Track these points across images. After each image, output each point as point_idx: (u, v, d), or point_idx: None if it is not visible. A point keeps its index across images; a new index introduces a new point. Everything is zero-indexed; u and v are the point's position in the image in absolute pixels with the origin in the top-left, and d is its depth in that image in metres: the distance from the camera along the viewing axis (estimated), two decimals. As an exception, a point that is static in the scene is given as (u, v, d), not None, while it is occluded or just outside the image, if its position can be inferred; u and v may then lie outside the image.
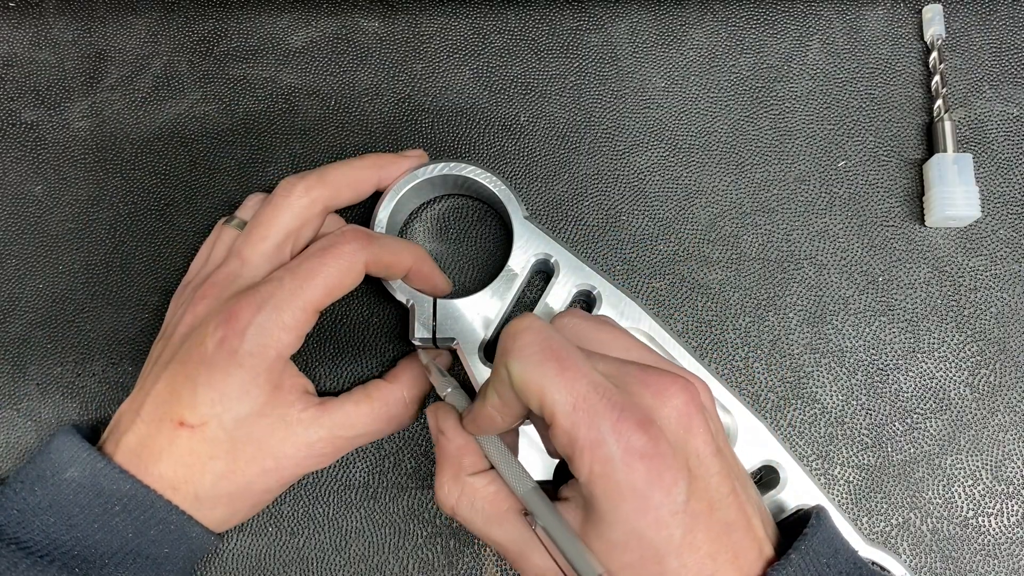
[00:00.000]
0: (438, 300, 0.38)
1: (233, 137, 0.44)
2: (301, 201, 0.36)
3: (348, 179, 0.38)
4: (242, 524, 0.39)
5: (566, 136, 0.43)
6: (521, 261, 0.39)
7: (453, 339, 0.38)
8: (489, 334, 0.38)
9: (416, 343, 0.38)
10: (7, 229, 0.43)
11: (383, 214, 0.39)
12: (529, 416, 0.30)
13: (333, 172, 0.38)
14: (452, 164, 0.39)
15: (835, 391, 0.40)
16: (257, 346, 0.33)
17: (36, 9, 0.46)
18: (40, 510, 0.32)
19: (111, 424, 0.35)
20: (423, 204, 0.43)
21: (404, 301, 0.39)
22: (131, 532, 0.32)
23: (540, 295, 0.39)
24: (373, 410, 0.36)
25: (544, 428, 0.29)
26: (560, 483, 0.31)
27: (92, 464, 0.32)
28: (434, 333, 0.38)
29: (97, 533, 0.32)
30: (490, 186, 0.39)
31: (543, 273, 0.41)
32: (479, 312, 0.38)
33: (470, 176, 0.39)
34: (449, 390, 0.34)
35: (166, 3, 0.46)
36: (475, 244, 0.42)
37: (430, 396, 0.40)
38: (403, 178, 0.39)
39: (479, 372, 0.37)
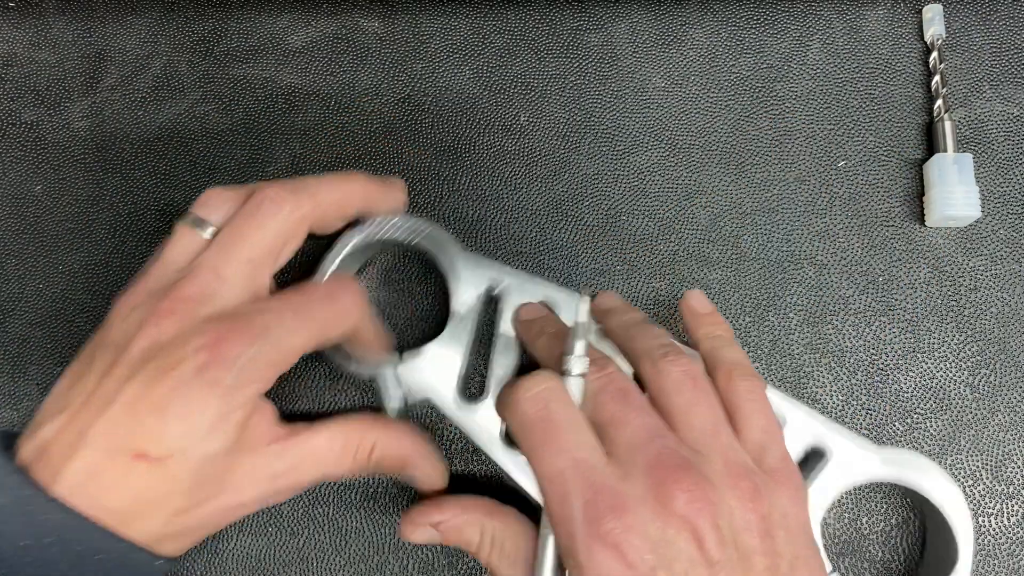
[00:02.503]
0: (399, 365, 0.37)
1: (233, 137, 0.44)
2: (290, 219, 0.33)
3: (338, 201, 0.35)
4: (242, 524, 0.39)
5: (566, 136, 0.43)
6: (466, 300, 0.37)
7: (427, 398, 0.37)
8: (457, 384, 0.37)
9: (392, 414, 0.37)
10: (7, 229, 0.43)
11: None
12: None
13: (325, 191, 0.35)
14: (369, 230, 0.38)
15: (835, 391, 0.40)
16: (241, 380, 0.30)
17: (36, 9, 0.46)
18: None
19: (38, 441, 0.29)
20: (366, 262, 0.42)
21: (366, 377, 0.37)
22: (66, 565, 0.28)
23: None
24: (344, 450, 0.33)
25: None
26: None
27: (19, 491, 0.28)
28: (406, 401, 0.37)
29: (28, 568, 0.28)
30: (411, 239, 0.38)
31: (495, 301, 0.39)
32: (442, 363, 0.37)
33: (391, 237, 0.38)
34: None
35: (166, 3, 0.46)
36: (425, 291, 0.41)
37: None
38: (336, 252, 0.37)
39: (464, 422, 0.36)
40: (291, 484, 0.32)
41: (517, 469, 0.34)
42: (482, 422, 0.35)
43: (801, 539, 0.29)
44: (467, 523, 0.33)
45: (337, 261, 0.38)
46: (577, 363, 0.31)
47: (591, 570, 0.26)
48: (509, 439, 0.35)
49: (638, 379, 0.32)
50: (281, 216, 0.33)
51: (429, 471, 0.35)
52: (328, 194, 0.35)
